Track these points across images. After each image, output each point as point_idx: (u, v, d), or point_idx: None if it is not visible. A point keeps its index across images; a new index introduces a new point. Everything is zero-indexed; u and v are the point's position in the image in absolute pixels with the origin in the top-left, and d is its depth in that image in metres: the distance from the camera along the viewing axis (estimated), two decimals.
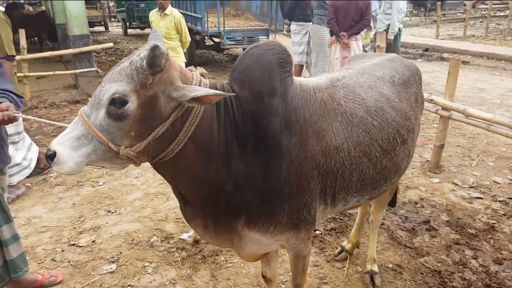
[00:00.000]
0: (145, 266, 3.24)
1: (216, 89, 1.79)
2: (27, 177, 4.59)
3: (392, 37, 7.96)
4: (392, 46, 7.97)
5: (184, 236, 3.59)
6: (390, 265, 3.21)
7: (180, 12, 6.57)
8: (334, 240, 3.55)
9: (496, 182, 4.56)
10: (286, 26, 10.83)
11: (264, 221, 1.90)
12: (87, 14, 8.98)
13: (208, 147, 1.73)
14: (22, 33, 7.81)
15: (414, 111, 2.40)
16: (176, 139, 1.63)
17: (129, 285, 3.05)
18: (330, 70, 7.09)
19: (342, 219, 3.85)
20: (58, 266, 3.26)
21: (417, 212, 3.97)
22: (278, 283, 2.95)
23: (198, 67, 1.91)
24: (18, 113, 2.33)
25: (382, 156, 2.12)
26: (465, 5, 20.94)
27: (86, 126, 1.58)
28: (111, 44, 9.82)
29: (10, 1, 20.85)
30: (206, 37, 11.29)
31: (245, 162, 1.80)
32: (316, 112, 1.94)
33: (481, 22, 19.95)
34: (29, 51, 8.33)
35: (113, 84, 1.56)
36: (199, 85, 1.70)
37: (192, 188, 1.83)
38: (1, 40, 3.10)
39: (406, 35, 15.10)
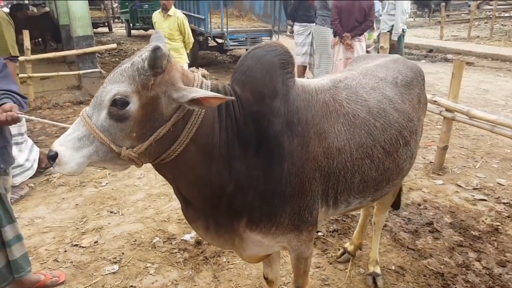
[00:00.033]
0: (147, 267, 3.24)
1: (218, 90, 1.79)
2: (30, 177, 4.60)
3: (395, 38, 7.96)
4: (395, 47, 7.97)
5: (186, 237, 3.59)
6: (393, 267, 3.20)
7: (184, 13, 6.58)
8: (336, 242, 3.54)
9: (500, 184, 4.54)
10: (289, 27, 10.82)
11: (266, 222, 1.90)
12: (91, 15, 9.01)
13: (209, 148, 1.72)
14: (26, 34, 7.82)
15: (417, 112, 2.39)
16: (178, 140, 1.63)
17: (131, 286, 3.05)
18: (333, 71, 7.07)
19: (344, 221, 3.84)
20: (61, 267, 3.27)
21: (420, 213, 3.95)
22: (280, 285, 2.94)
23: (200, 68, 1.91)
24: (21, 114, 2.35)
25: (384, 157, 2.12)
26: (469, 6, 20.88)
27: (87, 127, 1.59)
28: (114, 45, 9.84)
29: (15, 2, 20.99)
30: (209, 38, 11.29)
31: (246, 163, 1.79)
32: (318, 113, 1.93)
33: (485, 23, 19.87)
34: (33, 52, 8.37)
35: (115, 85, 1.57)
36: (200, 86, 1.70)
37: (194, 189, 1.82)
38: (5, 41, 3.11)
39: (410, 36, 15.09)
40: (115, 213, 4.07)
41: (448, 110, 4.67)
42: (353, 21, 6.73)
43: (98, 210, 4.13)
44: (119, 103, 1.55)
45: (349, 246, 3.30)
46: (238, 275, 3.14)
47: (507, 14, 20.93)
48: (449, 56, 12.74)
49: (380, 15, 8.61)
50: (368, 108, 2.09)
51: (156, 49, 1.49)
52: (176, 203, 4.10)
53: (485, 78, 9.86)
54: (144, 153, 1.63)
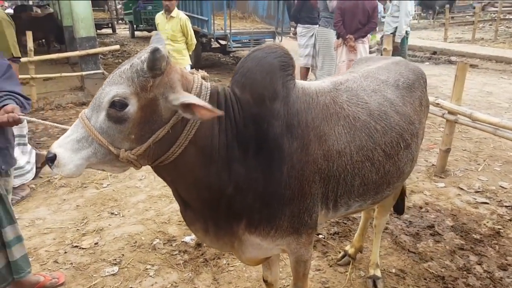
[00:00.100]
0: (147, 269, 3.24)
1: (218, 92, 1.79)
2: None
3: (399, 40, 7.93)
4: (399, 49, 7.95)
5: (187, 239, 3.58)
6: (393, 270, 3.18)
7: (187, 15, 6.58)
8: (337, 244, 3.52)
9: (503, 187, 4.52)
10: (292, 29, 10.82)
11: (265, 225, 1.89)
12: (94, 16, 9.04)
13: (208, 150, 1.72)
14: (29, 35, 7.86)
15: (418, 115, 2.37)
16: (177, 142, 1.63)
17: None
18: (336, 73, 7.06)
19: (345, 223, 3.82)
20: (61, 268, 3.27)
21: (422, 216, 3.93)
22: (280, 287, 2.93)
23: (199, 70, 1.91)
24: (23, 115, 2.35)
25: (385, 160, 2.10)
26: (474, 7, 20.80)
27: (86, 129, 1.59)
28: (117, 47, 9.86)
29: (19, 3, 21.07)
30: (212, 39, 11.31)
31: (246, 166, 1.79)
32: (318, 115, 1.92)
33: (490, 25, 19.80)
34: (37, 53, 8.40)
35: (114, 86, 1.56)
36: (199, 88, 1.69)
37: (193, 192, 1.82)
38: (6, 41, 3.11)
39: (414, 38, 15.06)
40: (115, 214, 4.07)
41: (450, 112, 4.64)
42: (356, 23, 6.72)
43: (98, 212, 4.13)
44: (117, 105, 1.55)
45: (349, 248, 3.28)
46: (238, 277, 3.13)
47: (511, 16, 20.85)
48: (453, 58, 12.71)
49: (382, 17, 8.59)
50: (369, 110, 2.08)
51: (155, 51, 1.49)
52: (176, 205, 4.05)
53: (489, 80, 9.82)
54: (143, 155, 1.63)
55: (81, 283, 3.10)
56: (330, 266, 3.24)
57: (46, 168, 4.71)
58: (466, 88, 5.12)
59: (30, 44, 7.85)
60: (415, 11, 18.30)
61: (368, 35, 7.05)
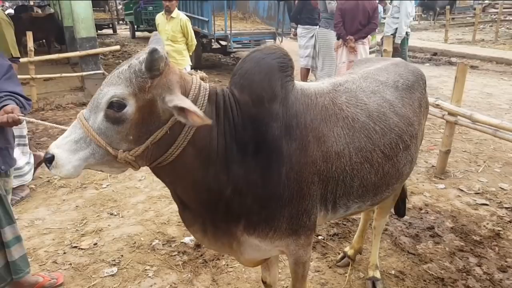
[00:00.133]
0: (146, 270, 3.23)
1: (216, 94, 1.79)
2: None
3: (399, 41, 7.92)
4: (399, 51, 7.94)
5: (186, 239, 3.58)
6: (393, 272, 3.18)
7: (187, 15, 6.58)
8: (336, 246, 3.52)
9: (503, 189, 4.51)
10: (293, 30, 10.82)
11: (264, 226, 1.89)
12: (95, 17, 9.05)
13: (207, 151, 1.71)
14: (29, 35, 7.87)
15: (417, 116, 2.37)
16: (175, 143, 1.63)
17: None
18: (337, 74, 7.05)
19: (345, 225, 3.82)
20: (60, 269, 3.26)
21: (421, 218, 3.93)
22: None
23: (198, 71, 1.91)
24: (22, 116, 2.35)
25: (384, 162, 2.10)
26: (474, 9, 20.81)
27: (84, 130, 1.59)
28: (117, 47, 9.87)
29: (20, 4, 21.09)
30: (212, 40, 11.31)
31: (244, 167, 1.78)
32: (317, 117, 1.92)
33: (490, 26, 19.82)
34: (37, 53, 8.40)
35: (112, 87, 1.56)
36: (198, 89, 1.69)
37: (191, 193, 1.82)
38: (6, 41, 3.11)
39: (414, 39, 15.06)
40: (115, 215, 4.07)
41: (450, 114, 4.64)
42: (357, 24, 6.71)
43: (98, 212, 4.12)
44: (115, 106, 1.54)
45: (349, 250, 3.28)
46: (237, 278, 3.13)
47: None
48: (453, 59, 12.69)
49: (383, 18, 8.58)
50: (368, 112, 2.08)
51: (153, 52, 1.49)
52: (176, 206, 4.06)
53: (489, 81, 9.81)
54: (141, 156, 1.63)
55: (80, 284, 3.09)
56: (330, 267, 3.24)
57: (46, 168, 4.71)
58: (466, 89, 5.13)
59: (30, 44, 7.86)
60: (415, 12, 18.28)
61: (369, 36, 7.04)
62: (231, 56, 13.57)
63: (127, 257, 3.39)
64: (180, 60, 6.15)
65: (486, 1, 25.86)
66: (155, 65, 1.51)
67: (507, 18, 20.79)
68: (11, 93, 2.45)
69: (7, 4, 24.32)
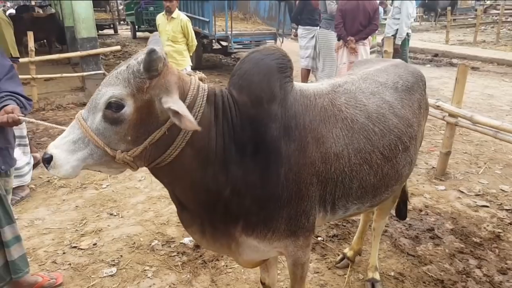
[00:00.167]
0: (145, 270, 3.23)
1: (215, 94, 1.78)
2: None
3: (399, 43, 7.91)
4: (400, 52, 7.93)
5: (185, 240, 3.58)
6: (392, 273, 3.17)
7: (188, 16, 6.58)
8: (336, 247, 3.51)
9: (503, 191, 4.50)
10: (293, 30, 10.82)
11: (262, 227, 1.88)
12: (96, 17, 9.06)
13: (205, 152, 1.71)
14: (30, 35, 7.88)
15: (417, 118, 2.36)
16: (173, 144, 1.62)
17: None
18: (337, 75, 7.05)
19: (344, 226, 3.81)
20: (59, 269, 3.26)
21: (421, 219, 3.92)
22: None
23: (197, 72, 1.91)
24: (22, 116, 2.35)
25: (383, 163, 2.09)
26: (476, 10, 20.80)
27: (82, 130, 1.59)
28: (118, 47, 9.89)
29: (21, 4, 21.12)
30: (213, 40, 11.31)
31: (243, 168, 1.78)
32: (316, 118, 1.91)
33: (492, 27, 19.80)
34: (38, 53, 8.41)
35: (110, 88, 1.56)
36: (196, 89, 1.69)
37: (190, 194, 1.81)
38: (5, 41, 3.12)
39: (415, 40, 15.05)
40: (114, 215, 4.07)
41: (451, 115, 4.63)
42: (357, 24, 6.71)
43: (98, 212, 4.12)
44: (114, 106, 1.54)
45: (348, 251, 3.27)
46: (236, 279, 3.12)
47: None
48: (454, 60, 12.67)
49: (384, 19, 8.58)
50: (367, 113, 2.07)
51: (152, 52, 1.48)
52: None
53: (490, 83, 9.80)
54: (139, 157, 1.62)
55: (79, 284, 3.09)
56: (329, 269, 3.23)
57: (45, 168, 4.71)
58: (467, 90, 5.12)
59: (31, 44, 7.87)
60: (416, 13, 18.27)
61: (369, 37, 7.04)
62: (232, 56, 13.57)
63: (127, 258, 3.39)
64: (181, 61, 6.16)
65: (488, 2, 25.86)
66: (153, 66, 1.50)
67: (508, 20, 20.73)
68: (11, 93, 2.46)
69: (8, 4, 24.37)
